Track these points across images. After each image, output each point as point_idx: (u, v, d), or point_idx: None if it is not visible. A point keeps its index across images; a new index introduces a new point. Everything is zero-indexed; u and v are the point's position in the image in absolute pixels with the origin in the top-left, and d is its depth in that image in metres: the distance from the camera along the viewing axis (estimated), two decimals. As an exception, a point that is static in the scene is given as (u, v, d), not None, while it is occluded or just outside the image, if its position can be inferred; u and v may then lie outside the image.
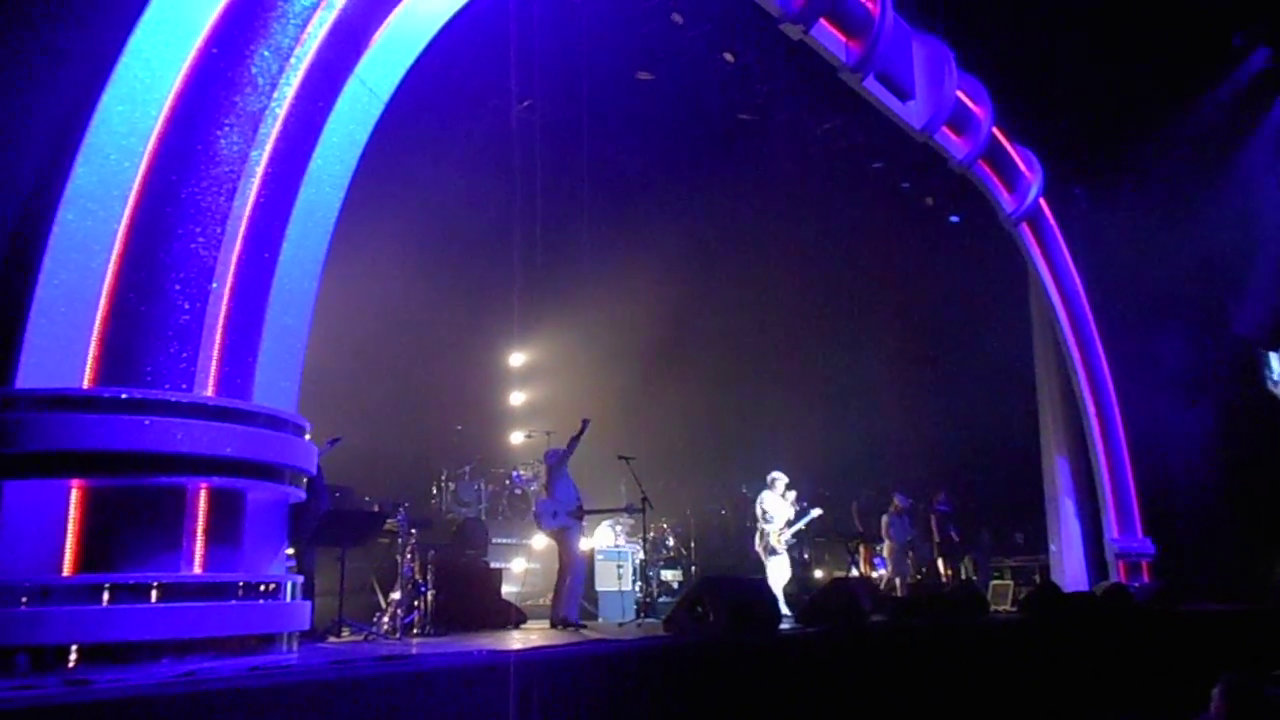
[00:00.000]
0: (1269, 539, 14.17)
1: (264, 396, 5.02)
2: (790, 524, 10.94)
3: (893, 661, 6.99)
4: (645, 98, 13.22)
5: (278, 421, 4.90)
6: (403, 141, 11.48)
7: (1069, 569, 14.25)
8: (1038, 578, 14.12)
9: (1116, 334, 14.97)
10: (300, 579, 5.15)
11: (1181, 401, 14.96)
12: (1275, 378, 16.47)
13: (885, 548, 12.49)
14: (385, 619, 7.33)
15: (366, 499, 8.63)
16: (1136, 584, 13.49)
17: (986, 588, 12.58)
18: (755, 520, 11.17)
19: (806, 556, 14.12)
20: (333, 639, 6.68)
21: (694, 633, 6.40)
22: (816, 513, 11.39)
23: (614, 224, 14.70)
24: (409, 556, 7.54)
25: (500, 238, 14.76)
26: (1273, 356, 16.53)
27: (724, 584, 6.87)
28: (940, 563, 13.44)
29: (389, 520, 7.85)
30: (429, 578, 7.58)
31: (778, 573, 10.66)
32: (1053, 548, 14.73)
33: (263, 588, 4.68)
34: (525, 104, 15.02)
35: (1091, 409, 14.57)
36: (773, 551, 10.78)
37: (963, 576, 13.27)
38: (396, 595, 7.41)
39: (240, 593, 4.56)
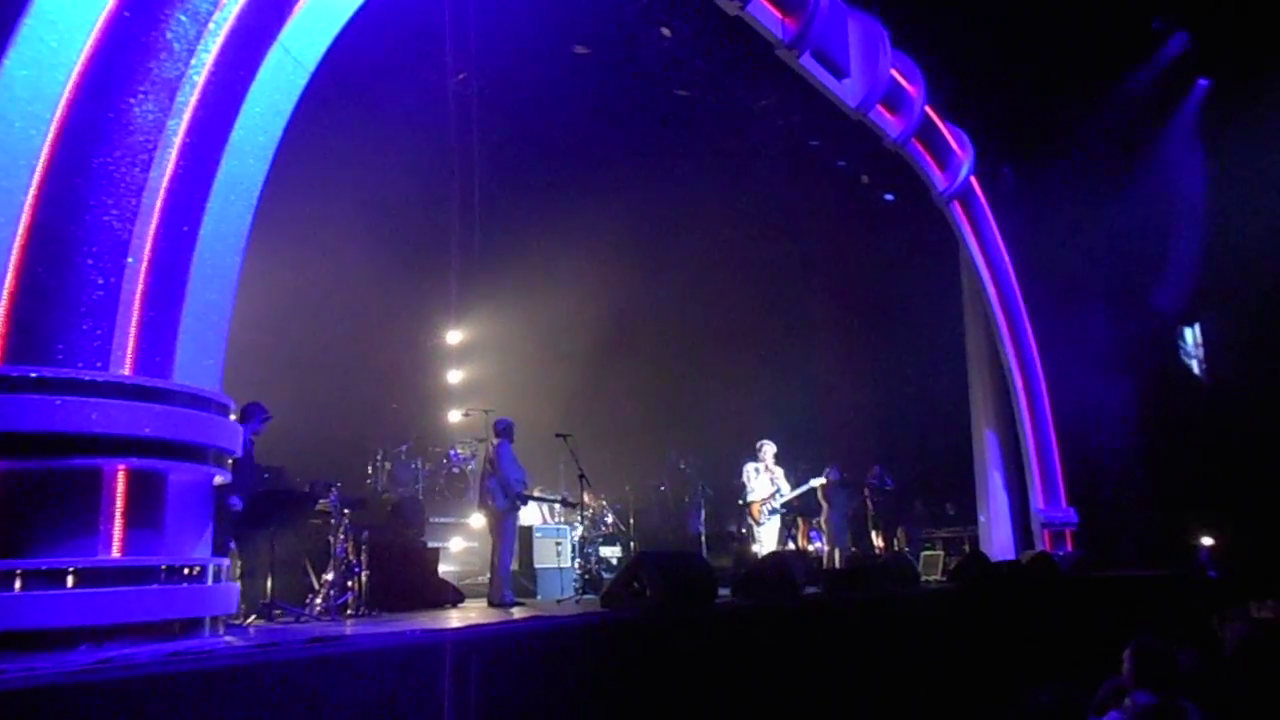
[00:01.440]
0: (1185, 506, 14.79)
1: (186, 375, 4.86)
2: (779, 493, 11.00)
3: (826, 632, 7.13)
4: (583, 73, 13.10)
5: (199, 400, 4.75)
6: (335, 114, 11.22)
7: (997, 539, 14.67)
8: (967, 548, 14.52)
9: (1043, 310, 15.37)
10: (225, 562, 5.03)
11: (1104, 376, 15.46)
12: (1190, 351, 17.14)
13: (823, 520, 12.68)
14: (318, 600, 7.22)
15: (299, 479, 8.45)
16: (1061, 552, 13.97)
17: (918, 559, 12.89)
18: (692, 493, 11.27)
19: (744, 531, 14.32)
20: (262, 622, 6.55)
21: (630, 608, 6.43)
22: (816, 482, 11.51)
23: (551, 200, 14.60)
24: (342, 537, 7.43)
25: (437, 214, 14.55)
26: (1188, 331, 17.18)
27: (660, 559, 6.91)
28: (874, 535, 13.73)
29: (321, 500, 7.71)
30: (363, 558, 7.48)
31: (768, 541, 10.84)
32: (981, 518, 15.14)
33: (186, 571, 4.55)
34: (460, 76, 14.77)
35: (1019, 383, 14.97)
36: (756, 522, 10.89)
37: (895, 548, 13.57)
38: (330, 576, 7.30)
39: (162, 576, 4.43)
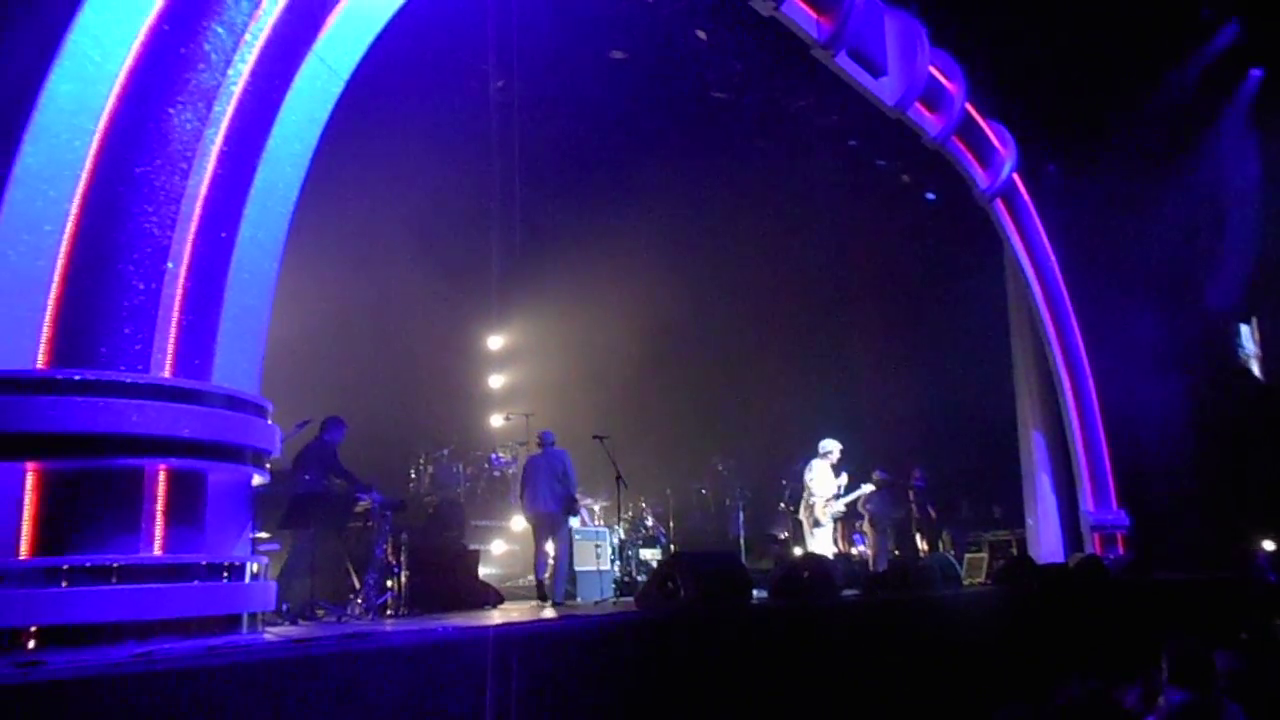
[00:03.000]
0: (1239, 508, 14.37)
1: (224, 378, 4.99)
2: (838, 496, 10.88)
3: (862, 634, 7.05)
4: (620, 77, 13.17)
5: (237, 402, 4.87)
6: (375, 122, 11.43)
7: (1045, 542, 14.39)
8: (1014, 550, 14.26)
9: (1091, 309, 15.07)
10: (265, 560, 5.13)
11: (1155, 375, 15.10)
12: (1246, 349, 16.65)
13: (866, 523, 12.55)
14: (358, 600, 7.33)
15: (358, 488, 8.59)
16: (1111, 555, 13.65)
17: (962, 562, 12.70)
18: (732, 496, 11.17)
19: (784, 536, 14.22)
20: (303, 621, 6.67)
21: (665, 607, 6.43)
22: (868, 488, 11.37)
23: (590, 205, 14.68)
24: (383, 538, 7.53)
25: (477, 220, 14.72)
26: (1244, 328, 16.70)
27: (694, 558, 6.90)
28: (918, 537, 13.55)
29: (361, 502, 7.83)
30: (403, 559, 7.57)
31: (821, 545, 10.62)
32: (1029, 521, 14.86)
33: (224, 568, 4.66)
34: (499, 84, 14.95)
35: (1067, 384, 14.68)
36: (817, 523, 10.74)
37: (940, 551, 13.38)
38: (370, 577, 7.40)
39: (202, 574, 4.55)
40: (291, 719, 3.74)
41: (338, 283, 10.94)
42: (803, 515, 10.95)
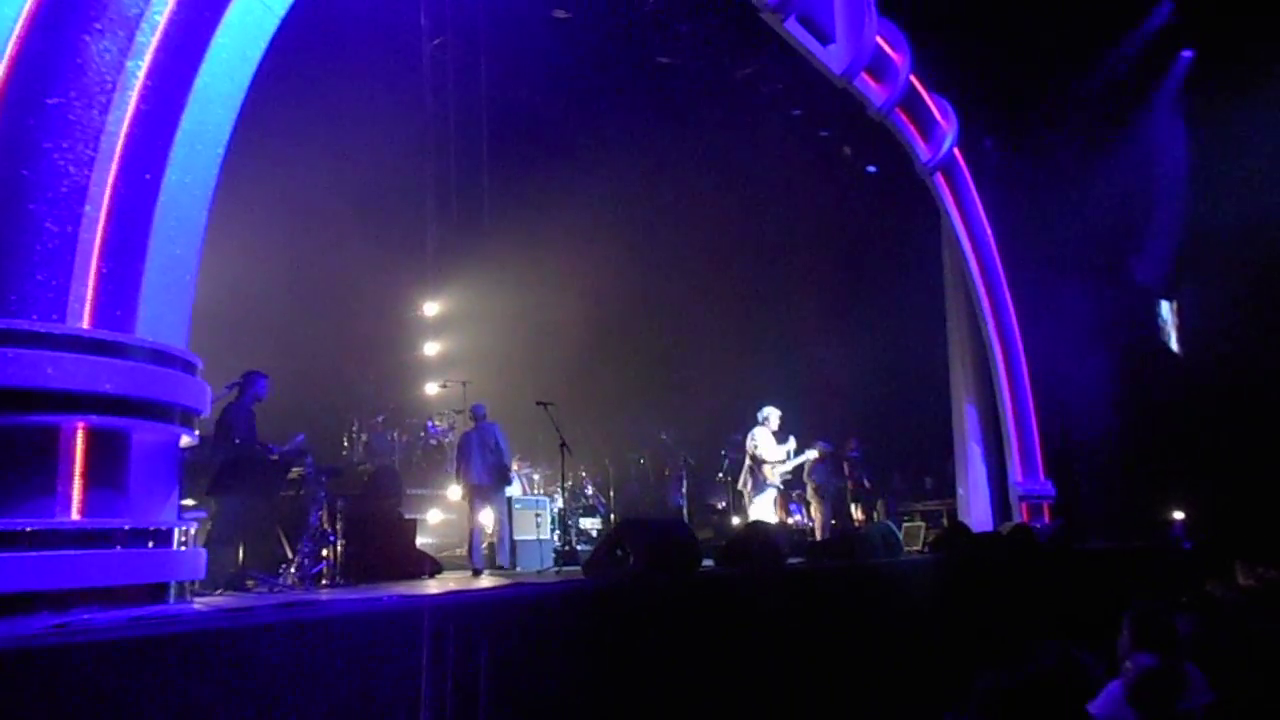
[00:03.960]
0: (1154, 480, 14.89)
1: (150, 331, 4.63)
2: (787, 459, 10.80)
3: (810, 601, 7.04)
4: (562, 39, 12.82)
5: (164, 356, 4.53)
6: (310, 78, 10.96)
7: (975, 511, 14.67)
8: (945, 520, 14.52)
9: (1024, 283, 15.34)
10: (193, 526, 4.82)
11: (1084, 349, 15.48)
12: (1166, 322, 17.19)
13: (810, 492, 12.61)
14: (292, 570, 7.04)
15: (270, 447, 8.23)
16: (1038, 524, 14.00)
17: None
18: (673, 465, 11.10)
19: (722, 505, 14.24)
20: (232, 592, 6.35)
21: (612, 575, 6.30)
22: (811, 454, 11.32)
23: (529, 169, 14.35)
24: (317, 505, 7.24)
25: (414, 182, 14.27)
26: (1164, 304, 17.24)
27: (643, 526, 6.78)
28: (853, 507, 13.69)
29: (294, 469, 7.50)
30: (339, 527, 7.30)
31: (762, 513, 10.54)
32: (960, 491, 15.13)
33: (150, 534, 4.34)
34: (437, 41, 14.46)
35: (999, 356, 14.94)
36: (761, 489, 10.63)
37: (874, 520, 13.55)
38: (304, 546, 7.11)
39: (124, 539, 4.22)
40: (224, 693, 3.50)
41: (268, 244, 10.54)
42: (743, 485, 10.92)
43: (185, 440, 4.95)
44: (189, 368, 4.77)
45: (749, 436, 10.96)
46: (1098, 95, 15.38)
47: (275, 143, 10.21)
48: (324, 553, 7.17)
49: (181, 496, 5.35)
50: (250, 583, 6.72)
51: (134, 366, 4.35)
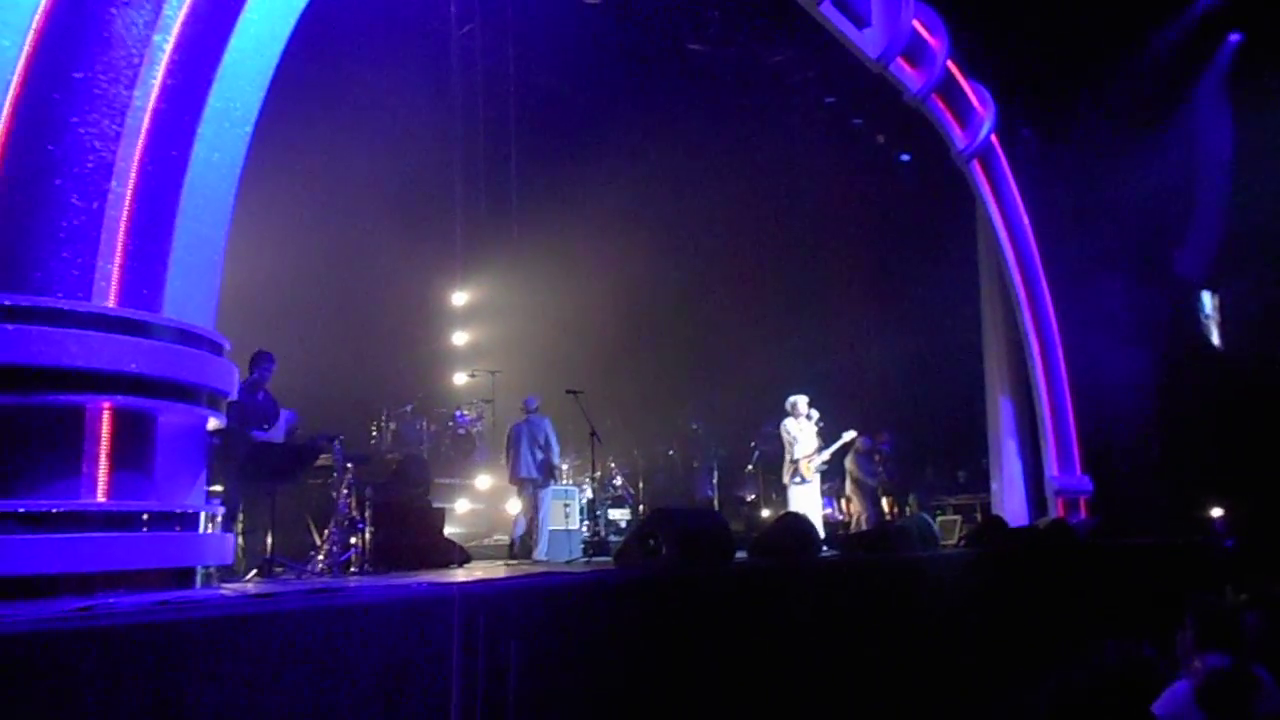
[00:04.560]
0: (1194, 476, 14.52)
1: (177, 311, 4.55)
2: (821, 449, 10.46)
3: (844, 595, 6.87)
4: (591, 25, 12.69)
5: (191, 337, 4.44)
6: (339, 65, 10.93)
7: (1009, 506, 14.39)
8: (979, 515, 14.26)
9: (1061, 275, 15.00)
10: (220, 509, 4.74)
11: (1122, 342, 15.12)
12: (1208, 315, 16.75)
13: (850, 485, 12.41)
14: (320, 557, 6.98)
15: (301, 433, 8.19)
16: (1074, 520, 13.70)
17: (933, 525, 12.62)
18: (703, 456, 10.95)
19: (752, 498, 14.08)
20: (262, 578, 6.30)
21: (645, 565, 6.16)
22: (849, 436, 10.98)
23: (560, 157, 14.23)
24: (345, 492, 7.17)
25: (442, 172, 14.20)
26: (1206, 295, 16.79)
27: (676, 516, 6.64)
28: (885, 501, 13.48)
29: (323, 455, 7.43)
30: (367, 515, 7.23)
31: (806, 503, 10.19)
32: (994, 485, 14.86)
33: (176, 517, 4.26)
34: (466, 29, 14.37)
35: (1036, 348, 14.62)
36: (802, 480, 10.30)
37: (912, 513, 13.32)
38: (332, 532, 7.05)
39: (150, 523, 4.14)
40: (251, 679, 3.40)
41: (296, 232, 10.55)
42: (785, 477, 10.64)
43: (213, 423, 4.87)
44: (216, 348, 4.69)
45: (782, 429, 10.75)
46: (1141, 82, 14.96)
47: (303, 130, 10.20)
48: (352, 540, 7.10)
49: (209, 481, 5.28)
50: (279, 569, 6.66)
51: (160, 346, 4.26)
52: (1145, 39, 14.89)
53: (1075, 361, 14.95)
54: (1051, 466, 14.53)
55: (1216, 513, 14.81)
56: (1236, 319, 16.51)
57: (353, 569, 7.00)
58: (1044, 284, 14.82)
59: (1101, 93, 14.99)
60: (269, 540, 6.78)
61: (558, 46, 13.19)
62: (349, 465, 7.28)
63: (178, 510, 4.31)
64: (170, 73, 4.45)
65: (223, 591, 4.51)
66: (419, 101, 12.38)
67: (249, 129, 5.06)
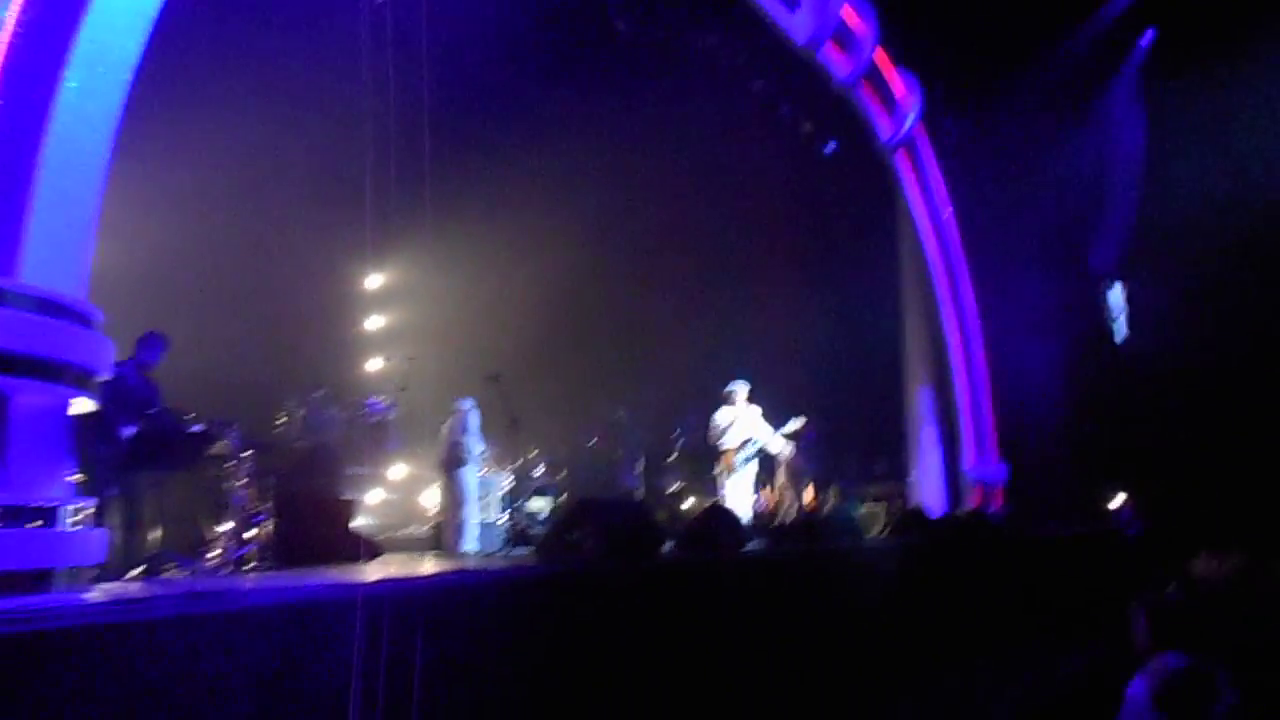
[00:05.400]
0: (1103, 466, 14.88)
1: (37, 277, 4.00)
2: (750, 441, 10.17)
3: (772, 588, 6.66)
4: (513, 2, 12.23)
5: (53, 306, 3.91)
6: (241, 23, 10.26)
7: (928, 496, 14.52)
8: (900, 504, 14.33)
9: (979, 265, 15.17)
10: (87, 504, 4.21)
11: (1036, 333, 15.38)
12: (1112, 311, 17.18)
13: (784, 474, 12.25)
14: (214, 553, 6.43)
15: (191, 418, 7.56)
16: (990, 509, 13.88)
17: (857, 515, 12.57)
18: (627, 445, 10.64)
19: (676, 487, 13.84)
20: (146, 577, 5.74)
21: (567, 560, 5.82)
22: (796, 424, 10.70)
23: (478, 138, 13.69)
24: (243, 482, 6.63)
25: (353, 149, 13.51)
26: (1110, 292, 17.20)
27: (600, 507, 6.33)
28: (809, 490, 13.39)
29: (218, 442, 6.86)
30: (268, 507, 6.70)
31: (737, 493, 10.00)
32: (912, 475, 14.97)
33: (31, 512, 3.73)
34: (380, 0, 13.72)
35: (956, 339, 14.77)
36: (730, 470, 10.07)
37: (829, 504, 13.27)
38: (227, 526, 6.50)
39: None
40: (112, 696, 2.95)
41: (200, 205, 9.87)
42: (717, 468, 10.41)
43: (81, 404, 4.32)
44: (83, 320, 4.14)
45: (714, 417, 10.51)
46: (1061, 76, 15.19)
47: (201, 97, 9.52)
48: (250, 534, 6.57)
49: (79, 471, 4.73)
50: (167, 566, 6.10)
51: (13, 315, 3.72)
52: (1066, 33, 15.11)
53: (992, 351, 15.15)
54: (968, 456, 14.71)
55: (1121, 501, 15.19)
56: (1143, 312, 16.97)
57: (250, 565, 6.47)
58: (966, 274, 14.97)
59: (1023, 85, 15.18)
60: (158, 535, 6.21)
61: (477, 18, 12.66)
62: (248, 453, 6.73)
63: (33, 504, 3.78)
64: (27, 5, 3.89)
65: (88, 596, 4.00)
66: (329, 72, 11.72)
67: (127, 76, 4.52)
